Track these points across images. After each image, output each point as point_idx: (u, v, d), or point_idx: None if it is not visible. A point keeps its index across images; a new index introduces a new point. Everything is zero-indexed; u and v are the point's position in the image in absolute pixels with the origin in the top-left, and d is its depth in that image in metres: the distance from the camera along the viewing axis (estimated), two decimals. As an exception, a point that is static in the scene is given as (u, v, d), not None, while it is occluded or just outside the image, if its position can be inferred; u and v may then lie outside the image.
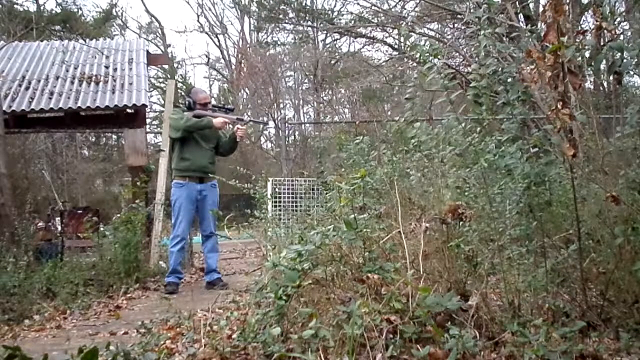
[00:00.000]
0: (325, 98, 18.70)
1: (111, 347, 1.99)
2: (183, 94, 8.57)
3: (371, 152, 4.10)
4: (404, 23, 3.30)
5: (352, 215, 2.22)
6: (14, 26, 12.88)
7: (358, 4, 13.23)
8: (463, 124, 2.49)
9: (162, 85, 19.04)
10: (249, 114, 17.53)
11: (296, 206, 6.60)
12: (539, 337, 1.87)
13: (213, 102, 6.02)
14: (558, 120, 2.09)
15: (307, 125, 17.86)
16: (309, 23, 18.16)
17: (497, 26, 2.96)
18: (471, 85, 2.42)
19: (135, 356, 2.06)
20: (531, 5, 8.38)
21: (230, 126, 5.07)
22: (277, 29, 20.40)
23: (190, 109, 4.99)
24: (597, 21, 2.27)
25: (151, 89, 17.74)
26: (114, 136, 16.20)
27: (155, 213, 6.00)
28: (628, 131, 2.33)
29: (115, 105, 6.70)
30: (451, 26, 9.68)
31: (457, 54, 8.35)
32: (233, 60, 22.81)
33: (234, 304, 3.19)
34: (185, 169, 4.93)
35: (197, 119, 4.88)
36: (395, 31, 10.58)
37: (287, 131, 13.19)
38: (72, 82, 7.23)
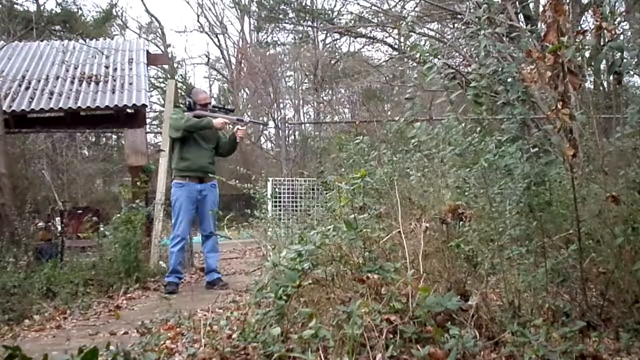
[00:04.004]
0: (325, 98, 18.71)
1: (111, 347, 1.98)
2: (183, 94, 8.57)
3: (371, 152, 4.10)
4: (404, 23, 3.30)
5: (352, 215, 2.22)
6: (14, 26, 12.85)
7: (358, 4, 13.26)
8: (463, 124, 2.49)
9: (162, 85, 19.04)
10: (249, 114, 17.55)
11: (296, 206, 6.60)
12: (539, 337, 1.87)
13: (213, 102, 6.03)
14: (558, 120, 2.09)
15: (307, 125, 17.89)
16: (309, 23, 18.18)
17: (497, 26, 2.97)
18: (471, 85, 2.42)
19: (135, 356, 2.06)
20: (531, 5, 8.39)
21: (230, 127, 5.07)
22: (277, 29, 20.45)
23: (190, 109, 4.99)
24: (597, 21, 2.27)
25: (151, 89, 17.74)
26: (114, 136, 16.18)
27: (155, 213, 6.00)
28: (628, 131, 2.34)
29: (115, 105, 6.70)
30: (451, 26, 9.68)
31: (457, 54, 8.34)
32: (233, 60, 22.82)
33: (234, 304, 3.20)
34: (185, 169, 4.93)
35: (197, 119, 4.88)
36: (395, 31, 10.59)
37: (287, 131, 13.21)
38: (72, 82, 7.23)
